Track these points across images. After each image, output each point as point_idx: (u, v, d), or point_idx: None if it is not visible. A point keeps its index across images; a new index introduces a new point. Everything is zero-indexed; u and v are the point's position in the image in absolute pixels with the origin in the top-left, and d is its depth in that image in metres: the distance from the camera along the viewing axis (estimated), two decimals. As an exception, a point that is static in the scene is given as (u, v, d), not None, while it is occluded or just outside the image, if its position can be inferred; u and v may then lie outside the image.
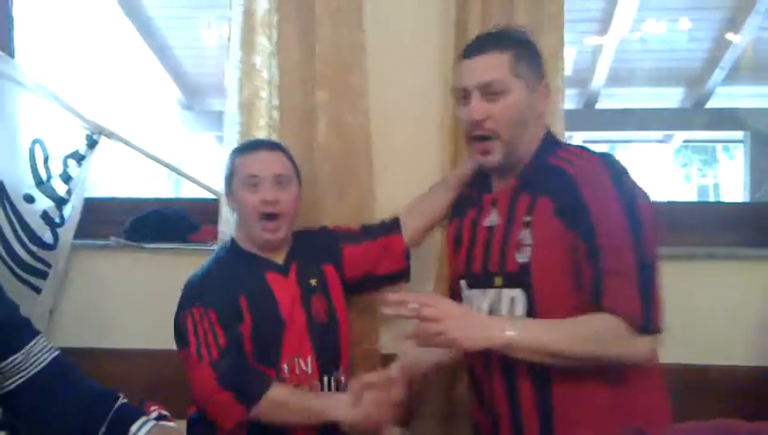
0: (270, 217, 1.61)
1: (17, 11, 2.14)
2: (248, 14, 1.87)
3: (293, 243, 1.71)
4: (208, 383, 1.51)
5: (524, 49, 1.38)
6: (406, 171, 1.87)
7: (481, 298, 1.40)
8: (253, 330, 1.59)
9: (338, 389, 1.64)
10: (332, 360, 1.65)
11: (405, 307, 1.28)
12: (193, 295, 1.60)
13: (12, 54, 2.05)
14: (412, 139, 1.88)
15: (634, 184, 1.30)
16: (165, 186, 5.73)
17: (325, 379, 1.63)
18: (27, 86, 1.84)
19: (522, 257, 1.32)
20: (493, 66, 1.34)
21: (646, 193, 1.30)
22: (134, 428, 1.24)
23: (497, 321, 1.30)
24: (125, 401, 1.30)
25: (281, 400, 1.51)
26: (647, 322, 1.23)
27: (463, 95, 1.38)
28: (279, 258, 1.67)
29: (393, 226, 1.72)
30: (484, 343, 1.25)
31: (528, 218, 1.33)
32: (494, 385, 1.39)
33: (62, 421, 1.24)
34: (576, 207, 1.26)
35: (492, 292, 1.38)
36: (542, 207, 1.31)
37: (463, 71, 1.39)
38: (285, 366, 1.59)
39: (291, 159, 1.69)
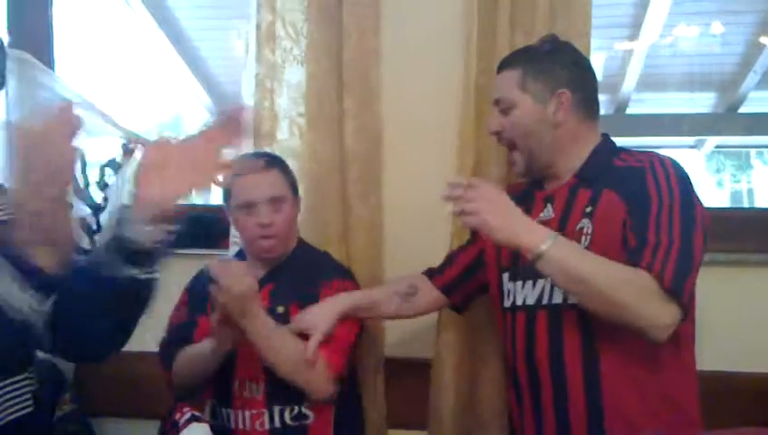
0: (266, 236, 1.58)
1: (56, 24, 2.19)
2: (261, 26, 1.92)
3: (286, 259, 1.64)
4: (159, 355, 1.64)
5: (535, 63, 1.42)
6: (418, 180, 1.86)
7: (528, 290, 1.41)
8: None
9: (298, 420, 1.54)
10: (289, 392, 1.51)
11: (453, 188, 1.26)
12: (192, 279, 1.69)
13: (52, 67, 2.11)
14: (428, 145, 1.87)
15: (694, 187, 1.34)
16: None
17: (276, 409, 1.52)
18: (66, 97, 1.89)
19: (580, 245, 1.33)
20: (502, 84, 1.45)
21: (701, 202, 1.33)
22: None
23: (540, 228, 1.28)
24: None
25: (183, 354, 1.57)
26: (676, 286, 1.21)
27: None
28: (261, 272, 1.61)
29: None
30: (517, 241, 1.24)
31: (589, 209, 1.35)
32: (538, 351, 1.38)
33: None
34: (639, 193, 1.30)
35: (542, 282, 1.38)
36: (606, 198, 1.34)
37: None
38: (236, 384, 1.55)
39: (285, 172, 1.64)
